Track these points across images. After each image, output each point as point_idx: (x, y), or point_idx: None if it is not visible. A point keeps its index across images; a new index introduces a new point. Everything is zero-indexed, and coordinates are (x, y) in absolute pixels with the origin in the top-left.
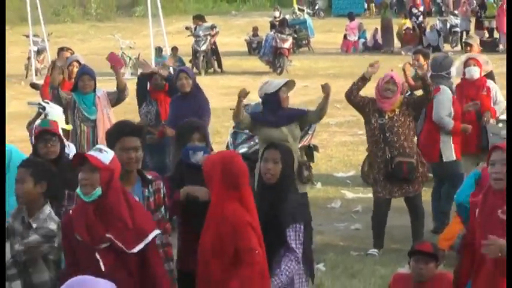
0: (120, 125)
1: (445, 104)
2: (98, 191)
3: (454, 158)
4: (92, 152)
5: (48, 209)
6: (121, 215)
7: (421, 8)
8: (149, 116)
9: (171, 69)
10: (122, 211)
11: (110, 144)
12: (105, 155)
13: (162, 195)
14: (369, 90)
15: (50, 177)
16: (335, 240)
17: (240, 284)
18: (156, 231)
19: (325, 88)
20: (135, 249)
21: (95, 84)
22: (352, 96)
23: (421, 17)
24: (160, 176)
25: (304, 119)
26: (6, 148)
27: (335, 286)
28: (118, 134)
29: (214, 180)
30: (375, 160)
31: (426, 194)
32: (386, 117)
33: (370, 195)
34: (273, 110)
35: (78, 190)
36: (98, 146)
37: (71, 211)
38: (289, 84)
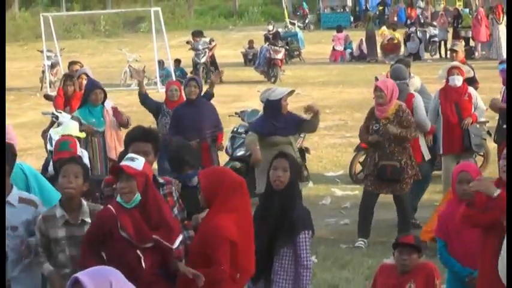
0: (133, 131)
1: (422, 107)
2: (138, 196)
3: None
4: (124, 162)
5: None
6: (163, 216)
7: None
8: (168, 126)
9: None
10: (164, 212)
11: (126, 149)
12: (137, 162)
13: (174, 198)
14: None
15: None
16: (326, 234)
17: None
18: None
19: (313, 108)
20: (175, 245)
21: (105, 96)
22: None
23: (413, 27)
24: (171, 179)
25: (302, 127)
26: (18, 166)
27: (326, 276)
28: (130, 139)
29: (218, 193)
30: (368, 160)
31: None
32: (381, 123)
33: (358, 192)
34: (273, 116)
35: (118, 199)
36: (129, 155)
37: (111, 207)
38: (291, 93)
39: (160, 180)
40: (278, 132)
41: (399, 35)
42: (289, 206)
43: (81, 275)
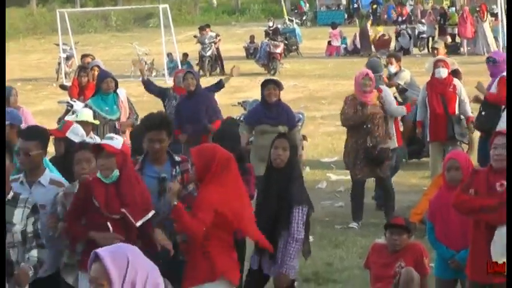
0: (149, 119)
1: (391, 98)
2: (116, 172)
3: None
4: (104, 141)
5: None
6: (134, 193)
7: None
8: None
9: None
10: (135, 190)
11: (140, 133)
12: (117, 141)
13: (190, 174)
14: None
15: None
16: (321, 216)
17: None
18: (152, 212)
19: None
20: (139, 223)
21: (116, 85)
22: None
23: (404, 24)
24: (187, 158)
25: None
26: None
27: (322, 255)
28: (146, 127)
29: (210, 168)
30: (354, 147)
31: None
32: (369, 109)
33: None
34: (264, 105)
35: (98, 174)
36: (108, 134)
37: (90, 178)
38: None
39: (177, 159)
40: (266, 121)
41: (385, 30)
42: (288, 183)
43: (100, 251)
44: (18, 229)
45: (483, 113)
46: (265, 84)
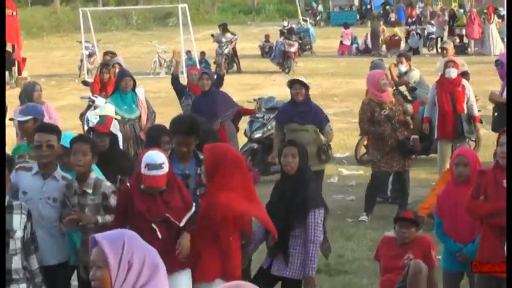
0: (179, 124)
1: None
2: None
3: None
4: (154, 172)
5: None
6: (176, 202)
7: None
8: (189, 107)
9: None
10: (178, 198)
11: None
12: (165, 167)
13: None
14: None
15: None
16: (333, 209)
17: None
18: (193, 210)
19: None
20: (182, 223)
21: (135, 84)
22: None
23: (414, 25)
24: None
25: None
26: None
27: (334, 247)
28: (175, 131)
29: (220, 167)
30: (382, 144)
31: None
32: (387, 108)
33: (362, 172)
34: (293, 104)
35: (142, 187)
36: (155, 160)
37: (128, 184)
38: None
39: (202, 157)
40: (296, 120)
41: (399, 31)
42: (301, 188)
43: (98, 236)
44: (19, 235)
45: (496, 114)
46: (291, 84)
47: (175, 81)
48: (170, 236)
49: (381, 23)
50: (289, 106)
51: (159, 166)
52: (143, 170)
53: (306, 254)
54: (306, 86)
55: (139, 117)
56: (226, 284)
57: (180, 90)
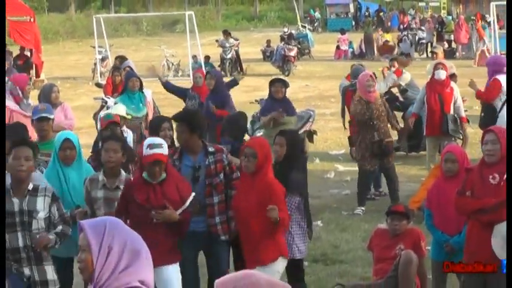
0: (177, 113)
1: None
2: (163, 175)
3: None
4: (155, 149)
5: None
6: (173, 194)
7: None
8: (194, 107)
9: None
10: (174, 191)
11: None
12: (165, 148)
13: (224, 163)
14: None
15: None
16: (329, 203)
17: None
18: (192, 196)
19: None
20: (179, 211)
21: (141, 84)
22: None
23: (406, 31)
24: (223, 148)
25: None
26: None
27: (330, 238)
28: (173, 119)
29: (268, 157)
30: (363, 142)
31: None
32: (373, 108)
33: (357, 168)
34: (273, 101)
35: (144, 175)
36: (155, 141)
37: (132, 179)
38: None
39: (211, 149)
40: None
41: (392, 37)
42: (285, 173)
43: (83, 222)
44: (42, 216)
45: (482, 114)
46: (272, 83)
47: (167, 86)
48: (157, 230)
49: (380, 29)
50: (270, 104)
51: (159, 145)
52: (145, 151)
53: None
54: (286, 85)
55: (146, 115)
56: (236, 273)
57: (177, 91)
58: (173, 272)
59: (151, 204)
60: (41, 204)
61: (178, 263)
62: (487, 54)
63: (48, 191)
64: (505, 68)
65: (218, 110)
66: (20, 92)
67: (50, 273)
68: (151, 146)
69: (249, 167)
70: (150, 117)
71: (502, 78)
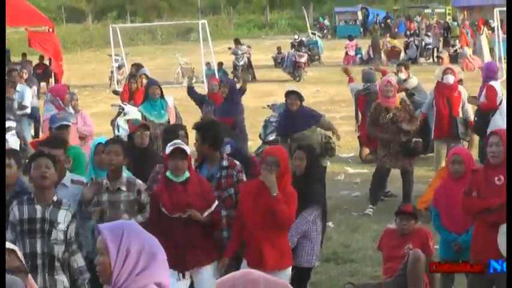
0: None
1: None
2: (187, 173)
3: None
4: (177, 143)
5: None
6: (199, 192)
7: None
8: (210, 114)
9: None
10: (201, 188)
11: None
12: (187, 146)
13: (233, 180)
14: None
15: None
16: (340, 204)
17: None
18: (216, 203)
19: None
20: (205, 214)
21: (162, 91)
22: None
23: (412, 36)
24: (237, 164)
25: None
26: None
27: (340, 238)
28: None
29: (288, 167)
30: (387, 144)
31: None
32: (392, 112)
33: (366, 170)
34: (286, 116)
35: (168, 173)
36: (177, 141)
37: (155, 189)
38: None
39: (225, 163)
40: (296, 129)
41: (399, 43)
42: (306, 186)
43: (101, 226)
44: (62, 228)
45: (475, 118)
46: (287, 95)
47: (190, 92)
48: (192, 232)
49: (388, 35)
50: (285, 119)
51: (180, 143)
52: (167, 150)
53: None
54: (300, 98)
55: (168, 121)
56: (235, 272)
57: (197, 98)
58: (212, 271)
59: (175, 209)
60: (62, 217)
61: (216, 261)
62: (471, 60)
63: (71, 207)
64: (496, 75)
65: (222, 118)
66: (60, 102)
67: (60, 284)
68: (173, 144)
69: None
70: (172, 122)
71: (496, 85)
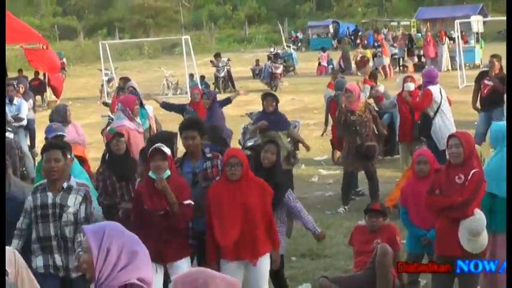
0: (184, 121)
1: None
2: (168, 172)
3: None
4: (158, 144)
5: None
6: (177, 189)
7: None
8: None
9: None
10: (178, 186)
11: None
12: (167, 148)
13: (218, 169)
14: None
15: None
16: (314, 203)
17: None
18: (190, 201)
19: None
20: (177, 203)
21: (141, 102)
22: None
23: (380, 47)
24: (219, 156)
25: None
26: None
27: None
28: (181, 127)
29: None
30: (346, 146)
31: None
32: (356, 115)
33: (338, 172)
34: (263, 115)
35: (150, 173)
36: (157, 144)
37: (138, 187)
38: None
39: (209, 155)
40: (270, 128)
41: (369, 53)
42: (272, 177)
43: (85, 227)
44: (71, 211)
45: (419, 122)
46: (264, 97)
47: (165, 107)
48: (169, 227)
49: (360, 46)
50: (262, 116)
51: (161, 145)
52: (150, 151)
53: (307, 220)
54: (276, 99)
55: (150, 127)
56: (190, 270)
57: (177, 109)
58: (186, 266)
59: (155, 205)
60: (72, 201)
61: (189, 257)
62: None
63: (81, 191)
64: (436, 80)
65: None
66: (129, 112)
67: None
68: (154, 146)
69: (236, 174)
70: (153, 128)
71: (433, 89)
